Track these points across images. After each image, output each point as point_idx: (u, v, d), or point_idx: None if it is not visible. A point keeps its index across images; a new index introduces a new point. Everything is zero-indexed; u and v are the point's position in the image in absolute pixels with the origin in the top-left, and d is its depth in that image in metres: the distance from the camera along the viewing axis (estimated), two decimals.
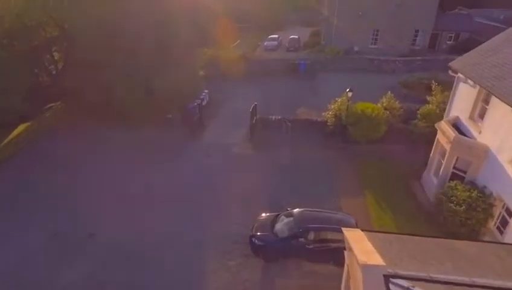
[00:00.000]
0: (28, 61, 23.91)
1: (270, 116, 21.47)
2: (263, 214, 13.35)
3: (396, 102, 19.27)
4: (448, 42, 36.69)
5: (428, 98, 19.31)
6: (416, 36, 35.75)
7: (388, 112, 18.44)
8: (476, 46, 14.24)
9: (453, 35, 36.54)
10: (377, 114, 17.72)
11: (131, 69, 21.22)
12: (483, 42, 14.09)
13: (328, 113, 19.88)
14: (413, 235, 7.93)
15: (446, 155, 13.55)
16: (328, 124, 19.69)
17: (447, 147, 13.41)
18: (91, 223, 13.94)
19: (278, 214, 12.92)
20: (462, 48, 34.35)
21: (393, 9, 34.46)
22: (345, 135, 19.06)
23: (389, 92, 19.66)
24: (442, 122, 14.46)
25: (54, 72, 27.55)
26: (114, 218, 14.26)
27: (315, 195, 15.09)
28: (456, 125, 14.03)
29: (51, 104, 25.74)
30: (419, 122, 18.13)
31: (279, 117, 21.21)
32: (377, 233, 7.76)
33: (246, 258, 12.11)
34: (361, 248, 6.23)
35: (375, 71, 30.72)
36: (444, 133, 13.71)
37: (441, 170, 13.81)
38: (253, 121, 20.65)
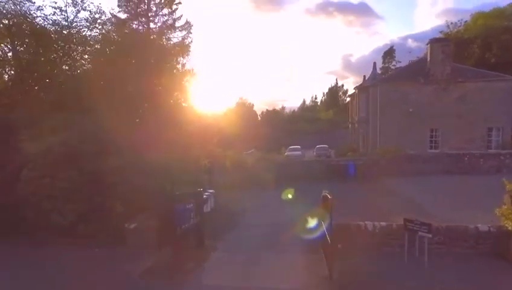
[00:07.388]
0: None
1: (361, 223, 9.43)
2: None
3: None
4: None
5: None
6: (490, 136, 27.13)
7: None
8: None
9: None
10: None
11: (67, 135, 10.53)
12: None
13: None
14: None
15: None
16: None
17: None
18: None
19: None
20: None
21: (452, 104, 27.17)
22: None
23: None
24: None
25: None
26: None
27: None
28: None
29: None
30: None
31: (385, 224, 9.18)
32: None
33: None
34: None
35: (467, 173, 20.24)
36: None
37: None
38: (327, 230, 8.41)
